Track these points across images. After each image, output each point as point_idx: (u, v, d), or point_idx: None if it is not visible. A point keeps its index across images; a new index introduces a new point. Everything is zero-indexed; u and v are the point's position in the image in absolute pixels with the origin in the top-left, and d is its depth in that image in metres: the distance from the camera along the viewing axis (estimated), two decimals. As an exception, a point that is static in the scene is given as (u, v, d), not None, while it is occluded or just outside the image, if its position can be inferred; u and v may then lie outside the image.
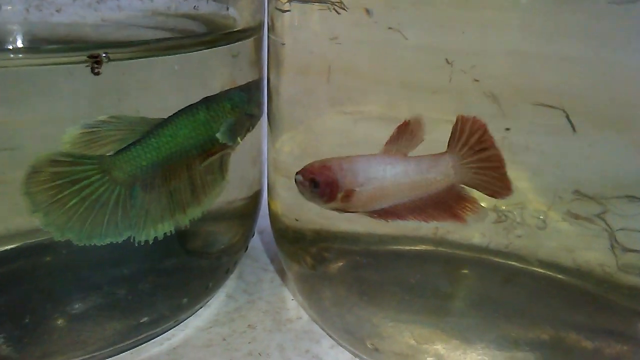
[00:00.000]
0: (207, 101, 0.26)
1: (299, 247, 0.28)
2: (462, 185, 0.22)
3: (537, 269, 0.23)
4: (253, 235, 0.35)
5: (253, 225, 0.33)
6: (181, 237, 0.27)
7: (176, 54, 0.24)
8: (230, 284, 0.33)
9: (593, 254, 0.22)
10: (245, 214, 0.32)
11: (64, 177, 0.22)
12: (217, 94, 0.26)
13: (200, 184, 0.26)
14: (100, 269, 0.25)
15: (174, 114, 0.24)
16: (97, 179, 0.23)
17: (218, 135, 0.26)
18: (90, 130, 0.22)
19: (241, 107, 0.28)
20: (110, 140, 0.23)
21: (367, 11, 0.22)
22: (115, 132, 0.23)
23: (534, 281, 0.23)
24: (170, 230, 0.25)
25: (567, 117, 0.20)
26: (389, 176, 0.22)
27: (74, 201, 0.23)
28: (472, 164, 0.21)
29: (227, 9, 0.26)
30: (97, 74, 0.21)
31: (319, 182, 0.23)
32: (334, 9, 0.23)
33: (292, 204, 0.28)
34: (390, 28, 0.21)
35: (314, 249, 0.27)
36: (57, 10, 0.21)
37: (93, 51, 0.21)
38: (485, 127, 0.21)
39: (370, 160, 0.22)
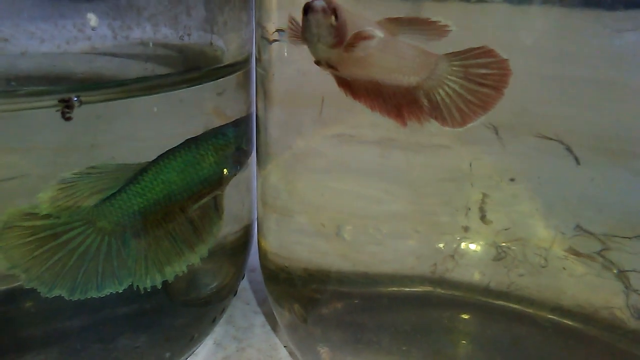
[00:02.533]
0: (194, 140, 0.24)
1: (289, 289, 0.27)
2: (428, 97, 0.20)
3: (542, 313, 0.22)
4: (243, 277, 0.33)
5: (243, 266, 0.32)
6: (163, 283, 0.25)
7: (156, 93, 0.22)
8: (218, 330, 0.32)
9: (600, 295, 0.21)
10: (235, 251, 0.30)
11: (42, 231, 0.21)
12: (206, 132, 0.25)
13: (200, 223, 0.26)
14: (71, 321, 0.23)
15: (159, 157, 0.23)
16: (82, 231, 0.22)
17: (212, 172, 0.25)
18: (68, 185, 0.21)
19: (234, 142, 0.27)
20: (91, 192, 0.22)
21: None
22: (96, 183, 0.22)
23: (539, 329, 0.22)
24: (183, 271, 0.25)
25: (569, 149, 0.19)
26: (388, 45, 0.20)
27: (58, 255, 0.22)
28: (466, 67, 0.20)
29: (211, 43, 0.25)
30: (69, 119, 0.20)
31: (340, 15, 0.20)
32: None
33: (282, 240, 0.26)
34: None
35: (305, 292, 0.26)
36: (22, 53, 0.20)
37: (64, 95, 0.20)
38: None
39: (377, 25, 0.21)
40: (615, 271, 0.21)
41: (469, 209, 0.22)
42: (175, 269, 0.25)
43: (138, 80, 0.22)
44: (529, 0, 0.19)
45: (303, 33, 0.20)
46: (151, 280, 0.24)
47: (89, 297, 0.22)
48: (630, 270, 0.20)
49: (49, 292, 0.22)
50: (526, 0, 0.19)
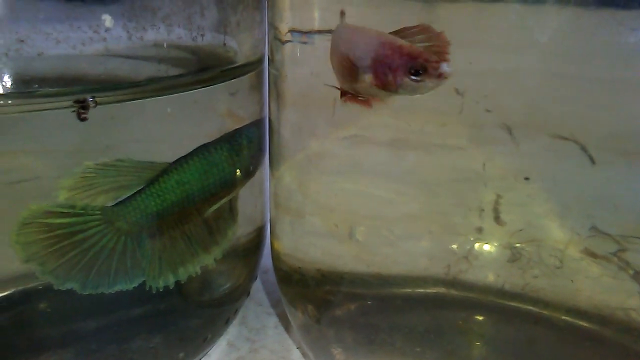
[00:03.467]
0: (212, 144, 0.25)
1: (302, 290, 0.26)
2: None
3: (557, 315, 0.22)
4: (256, 279, 0.33)
5: (256, 267, 0.32)
6: (177, 284, 0.25)
7: (170, 94, 0.22)
8: (232, 331, 0.31)
9: (616, 297, 0.21)
10: (247, 253, 0.30)
11: (60, 228, 0.21)
12: (222, 136, 0.25)
13: (215, 225, 0.26)
14: (86, 322, 0.24)
15: (177, 160, 0.23)
16: (99, 230, 0.22)
17: (228, 176, 0.26)
18: (90, 174, 0.21)
19: (248, 146, 0.27)
20: (111, 186, 0.22)
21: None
22: (117, 178, 0.22)
23: (554, 330, 0.22)
24: (196, 272, 0.25)
25: (584, 149, 0.19)
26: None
27: (74, 252, 0.22)
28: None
29: (224, 43, 0.25)
30: (84, 119, 0.20)
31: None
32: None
33: (295, 242, 0.26)
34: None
35: (318, 293, 0.26)
36: (38, 55, 0.20)
37: (79, 95, 0.20)
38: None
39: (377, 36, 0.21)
40: (631, 272, 0.20)
41: (483, 209, 0.22)
42: (189, 270, 0.25)
43: (152, 81, 0.22)
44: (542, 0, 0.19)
45: (394, 84, 0.20)
46: (164, 280, 0.24)
47: (99, 292, 0.22)
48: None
49: (61, 284, 0.22)
50: (539, -1, 0.19)
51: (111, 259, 0.23)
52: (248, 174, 0.28)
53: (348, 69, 0.20)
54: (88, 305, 0.23)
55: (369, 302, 0.25)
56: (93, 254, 0.22)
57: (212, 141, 0.25)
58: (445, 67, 0.18)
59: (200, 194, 0.25)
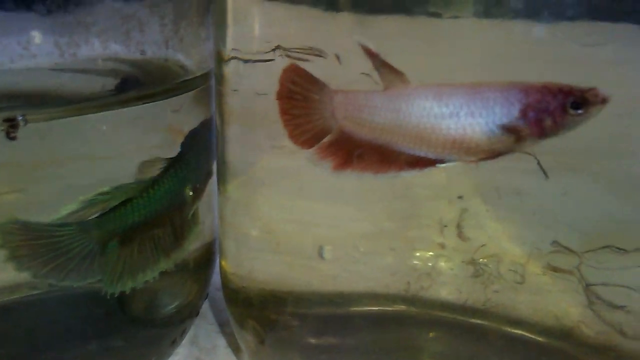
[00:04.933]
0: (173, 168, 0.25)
1: (247, 310, 0.26)
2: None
3: (518, 331, 0.22)
4: (206, 298, 0.32)
5: (205, 285, 0.31)
6: (120, 302, 0.25)
7: (107, 111, 0.22)
8: (182, 351, 0.31)
9: (575, 311, 0.21)
10: (196, 269, 0.29)
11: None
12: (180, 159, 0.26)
13: (180, 230, 0.26)
14: (26, 340, 0.23)
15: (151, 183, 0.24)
16: (73, 235, 0.23)
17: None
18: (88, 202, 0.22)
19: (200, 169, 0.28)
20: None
21: (337, 57, 0.20)
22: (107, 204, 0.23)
23: (517, 346, 0.22)
24: (154, 277, 0.25)
25: (539, 163, 0.19)
26: None
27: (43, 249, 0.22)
28: None
29: (166, 59, 0.25)
30: (13, 138, 0.19)
31: None
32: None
33: (240, 260, 0.26)
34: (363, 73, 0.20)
35: (268, 313, 0.25)
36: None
37: (9, 113, 0.19)
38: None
39: None
40: (583, 285, 0.21)
41: (445, 226, 0.21)
42: (147, 276, 0.25)
43: (88, 98, 0.22)
44: (495, 15, 0.19)
45: (555, 126, 0.19)
46: (122, 286, 0.24)
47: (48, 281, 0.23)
48: (597, 284, 0.20)
49: (19, 268, 0.22)
50: (492, 14, 0.19)
51: (71, 260, 0.23)
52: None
53: (513, 131, 0.19)
54: (26, 323, 0.23)
55: (315, 322, 0.24)
56: (59, 252, 0.22)
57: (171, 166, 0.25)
58: (604, 91, 0.18)
59: (170, 206, 0.25)
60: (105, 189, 0.23)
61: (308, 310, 0.24)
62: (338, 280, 0.23)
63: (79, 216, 0.22)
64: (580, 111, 0.18)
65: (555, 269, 0.20)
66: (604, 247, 0.20)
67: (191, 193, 0.27)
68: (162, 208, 0.25)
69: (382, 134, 0.20)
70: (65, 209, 0.22)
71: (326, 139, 0.21)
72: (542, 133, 0.19)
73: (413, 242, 0.22)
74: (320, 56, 0.20)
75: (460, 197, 0.20)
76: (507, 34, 0.19)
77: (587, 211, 0.20)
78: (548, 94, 0.18)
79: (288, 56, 0.21)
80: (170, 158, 0.25)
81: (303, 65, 0.21)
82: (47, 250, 0.22)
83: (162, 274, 0.26)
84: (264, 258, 0.25)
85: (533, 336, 0.22)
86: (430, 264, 0.22)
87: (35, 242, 0.22)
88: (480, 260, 0.21)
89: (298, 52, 0.21)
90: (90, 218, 0.23)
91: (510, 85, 0.19)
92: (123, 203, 0.24)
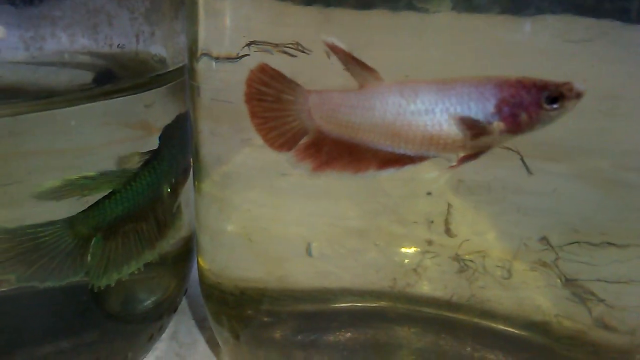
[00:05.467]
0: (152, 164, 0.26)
1: (223, 307, 0.26)
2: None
3: (504, 327, 0.22)
4: (185, 293, 0.32)
5: (184, 281, 0.31)
6: (95, 296, 0.24)
7: (77, 105, 0.22)
8: (161, 346, 0.31)
9: (560, 307, 0.21)
10: (174, 264, 0.29)
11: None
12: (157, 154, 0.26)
13: (164, 221, 0.27)
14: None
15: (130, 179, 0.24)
16: (56, 232, 0.23)
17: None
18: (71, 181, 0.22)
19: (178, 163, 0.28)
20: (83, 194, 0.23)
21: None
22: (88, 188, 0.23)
23: (504, 342, 0.22)
24: (139, 269, 0.25)
25: (522, 159, 0.19)
26: None
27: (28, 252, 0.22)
28: None
29: (137, 53, 0.24)
30: None
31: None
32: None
33: (215, 256, 0.26)
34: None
35: (243, 310, 0.25)
36: None
37: None
38: None
39: None
40: (562, 279, 0.20)
41: (432, 221, 0.21)
42: (132, 268, 0.25)
43: (56, 92, 0.21)
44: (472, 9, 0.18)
45: (530, 122, 0.19)
46: (107, 279, 0.24)
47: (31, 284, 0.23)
48: (577, 280, 0.20)
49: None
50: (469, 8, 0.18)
51: (55, 258, 0.23)
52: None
53: (470, 127, 0.19)
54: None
55: (287, 319, 0.24)
56: (43, 251, 0.22)
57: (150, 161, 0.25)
58: (579, 85, 0.18)
59: (155, 198, 0.26)
60: (91, 173, 0.23)
61: (283, 308, 0.24)
62: (315, 277, 0.23)
63: (59, 195, 0.22)
64: (555, 106, 0.18)
65: (536, 265, 0.20)
66: (584, 242, 0.20)
67: (173, 184, 0.27)
68: (144, 200, 0.25)
69: (360, 133, 0.20)
70: (49, 184, 0.22)
71: (303, 140, 0.20)
72: (518, 128, 0.19)
73: (399, 239, 0.22)
74: (303, 51, 0.20)
75: (429, 193, 0.20)
76: (490, 29, 0.19)
77: (570, 207, 0.20)
78: (522, 89, 0.18)
79: (264, 51, 0.21)
80: (149, 151, 0.25)
81: (274, 64, 0.20)
82: (31, 253, 0.22)
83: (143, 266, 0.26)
84: (239, 254, 0.24)
85: (517, 331, 0.22)
86: (416, 260, 0.22)
87: (20, 246, 0.22)
88: (467, 256, 0.21)
89: (271, 47, 0.21)
90: (74, 214, 0.23)
91: (485, 80, 0.18)
92: (106, 196, 0.24)
